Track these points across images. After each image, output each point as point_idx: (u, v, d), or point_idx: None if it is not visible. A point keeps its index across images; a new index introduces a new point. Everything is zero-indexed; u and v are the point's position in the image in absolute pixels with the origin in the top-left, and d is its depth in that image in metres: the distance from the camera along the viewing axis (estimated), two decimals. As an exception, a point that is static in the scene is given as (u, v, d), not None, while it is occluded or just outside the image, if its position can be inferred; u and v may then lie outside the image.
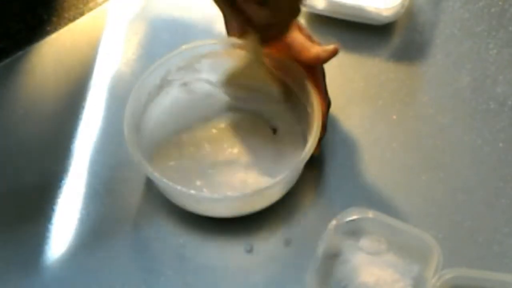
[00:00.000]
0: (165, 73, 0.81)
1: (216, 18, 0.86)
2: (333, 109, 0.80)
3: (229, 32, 0.85)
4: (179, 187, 0.71)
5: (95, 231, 0.76)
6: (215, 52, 0.82)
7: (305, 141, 0.76)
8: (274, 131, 0.80)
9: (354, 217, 0.71)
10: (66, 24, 0.94)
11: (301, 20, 0.93)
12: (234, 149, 0.79)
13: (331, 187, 0.78)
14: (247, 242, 0.74)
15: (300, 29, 0.78)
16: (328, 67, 0.78)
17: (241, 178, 0.77)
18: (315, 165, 0.78)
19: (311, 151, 0.73)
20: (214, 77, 0.83)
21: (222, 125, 0.81)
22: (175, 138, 0.80)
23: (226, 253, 0.74)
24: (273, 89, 0.79)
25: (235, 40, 0.82)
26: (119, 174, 0.80)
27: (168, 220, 0.76)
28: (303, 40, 0.77)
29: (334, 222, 0.71)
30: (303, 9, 0.93)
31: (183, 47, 0.82)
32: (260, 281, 0.72)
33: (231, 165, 0.78)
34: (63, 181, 0.79)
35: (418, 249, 0.70)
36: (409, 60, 0.90)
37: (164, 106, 0.82)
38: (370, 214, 0.72)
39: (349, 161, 0.80)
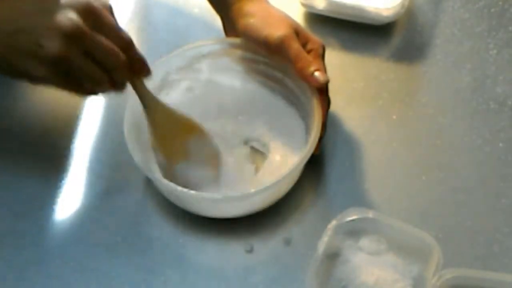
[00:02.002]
0: (165, 73, 0.81)
1: (215, 18, 0.86)
2: (333, 109, 0.80)
3: (227, 33, 0.85)
4: (179, 188, 0.71)
5: (95, 231, 0.76)
6: (214, 52, 0.82)
7: (305, 141, 0.76)
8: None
9: (354, 217, 0.71)
10: (66, 24, 0.94)
11: (301, 20, 0.93)
12: (234, 149, 0.79)
13: (331, 187, 0.78)
14: (247, 242, 0.74)
15: (297, 32, 0.78)
16: (328, 67, 0.78)
17: (241, 178, 0.77)
18: (315, 165, 0.78)
19: (311, 151, 0.73)
20: (214, 77, 0.83)
21: (222, 125, 0.81)
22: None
23: (226, 253, 0.74)
24: None
25: (233, 40, 0.82)
26: (119, 174, 0.80)
27: (168, 220, 0.76)
28: (297, 50, 0.76)
29: (334, 222, 0.71)
30: (303, 9, 0.94)
31: (183, 47, 0.82)
32: (260, 281, 0.72)
33: (231, 164, 0.78)
34: (63, 181, 0.79)
35: (418, 249, 0.70)
36: (409, 60, 0.90)
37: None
38: (370, 214, 0.72)
39: (349, 161, 0.80)
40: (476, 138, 0.82)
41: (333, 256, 0.71)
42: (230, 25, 0.81)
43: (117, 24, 0.69)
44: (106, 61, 0.67)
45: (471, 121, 0.84)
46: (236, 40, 0.81)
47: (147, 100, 0.73)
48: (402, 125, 0.84)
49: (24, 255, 0.74)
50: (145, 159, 0.74)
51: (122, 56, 0.68)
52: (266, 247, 0.74)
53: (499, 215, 0.76)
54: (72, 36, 0.65)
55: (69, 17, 0.65)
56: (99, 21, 0.67)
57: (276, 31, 0.76)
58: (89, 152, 0.82)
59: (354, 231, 0.72)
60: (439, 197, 0.77)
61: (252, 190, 0.72)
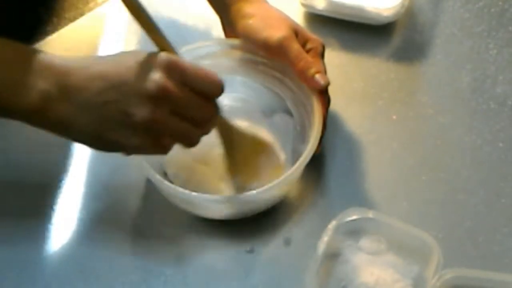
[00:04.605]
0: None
1: (214, 19, 0.86)
2: (333, 109, 0.80)
3: (226, 34, 0.85)
4: (180, 189, 0.71)
5: (95, 231, 0.76)
6: (214, 53, 0.82)
7: (305, 141, 0.76)
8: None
9: (354, 217, 0.71)
10: (66, 24, 0.94)
11: (301, 20, 0.93)
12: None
13: (331, 187, 0.78)
14: (248, 242, 0.74)
15: (296, 32, 0.78)
16: (328, 67, 0.78)
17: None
18: (315, 165, 0.78)
19: (313, 151, 0.73)
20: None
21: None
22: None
23: (226, 253, 0.74)
24: None
25: (232, 41, 0.82)
26: (119, 174, 0.80)
27: (168, 220, 0.76)
28: (297, 51, 0.76)
29: (334, 222, 0.71)
30: (303, 9, 0.94)
31: (182, 49, 0.81)
32: (260, 281, 0.72)
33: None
34: (63, 181, 0.79)
35: (418, 249, 0.70)
36: (409, 60, 0.90)
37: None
38: (370, 214, 0.72)
39: (349, 161, 0.80)
40: (476, 138, 0.82)
41: (333, 256, 0.71)
42: (229, 26, 0.81)
43: (203, 70, 0.66)
44: (195, 116, 0.67)
45: (471, 121, 0.84)
46: (235, 41, 0.81)
47: (228, 135, 0.74)
48: (402, 125, 0.84)
49: (24, 255, 0.74)
50: (146, 160, 0.74)
51: (210, 108, 0.67)
52: (266, 247, 0.74)
53: (499, 215, 0.76)
54: (158, 98, 0.64)
55: (152, 78, 0.63)
56: (184, 75, 0.65)
57: (275, 32, 0.76)
58: (89, 152, 0.82)
59: (354, 231, 0.72)
60: (439, 197, 0.77)
61: (253, 192, 0.72)
